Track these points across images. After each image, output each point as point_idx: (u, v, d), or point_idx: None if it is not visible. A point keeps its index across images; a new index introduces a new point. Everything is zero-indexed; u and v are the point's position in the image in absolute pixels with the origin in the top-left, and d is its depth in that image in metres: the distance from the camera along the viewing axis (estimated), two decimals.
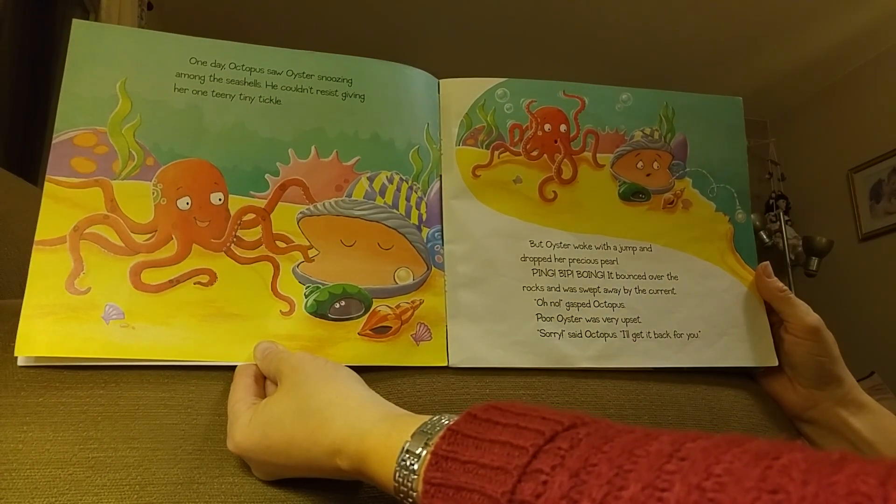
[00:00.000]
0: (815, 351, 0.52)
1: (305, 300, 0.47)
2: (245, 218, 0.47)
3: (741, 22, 2.74)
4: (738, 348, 0.54)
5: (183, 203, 0.46)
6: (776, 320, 0.55)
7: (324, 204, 0.49)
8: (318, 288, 0.47)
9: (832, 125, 3.27)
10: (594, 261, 0.53)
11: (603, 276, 0.53)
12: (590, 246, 0.54)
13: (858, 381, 0.53)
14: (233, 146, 0.48)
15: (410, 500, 0.30)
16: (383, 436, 0.33)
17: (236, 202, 0.47)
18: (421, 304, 0.49)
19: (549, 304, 0.51)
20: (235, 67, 0.49)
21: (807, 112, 3.43)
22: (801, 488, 0.19)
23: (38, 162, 1.71)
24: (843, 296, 3.09)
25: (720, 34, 2.83)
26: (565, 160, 0.55)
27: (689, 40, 2.88)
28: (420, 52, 2.86)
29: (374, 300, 0.48)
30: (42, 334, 0.41)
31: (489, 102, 0.55)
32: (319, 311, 0.47)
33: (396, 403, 0.38)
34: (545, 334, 0.51)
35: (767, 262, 0.56)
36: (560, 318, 0.51)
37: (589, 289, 0.52)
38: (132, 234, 0.44)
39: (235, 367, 0.44)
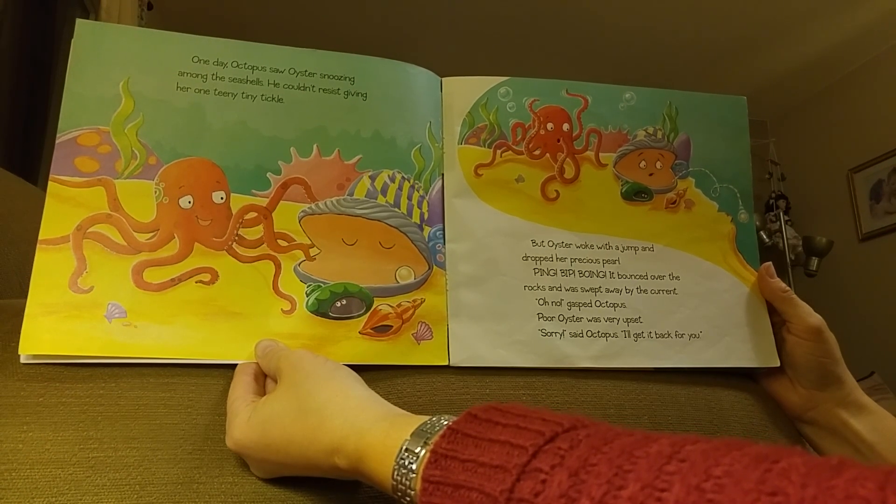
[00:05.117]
0: (816, 352, 0.52)
1: (307, 299, 0.47)
2: (247, 216, 0.47)
3: (741, 22, 2.74)
4: (739, 349, 0.54)
5: (185, 202, 0.46)
6: (778, 321, 0.55)
7: (325, 203, 0.49)
8: (319, 287, 0.47)
9: (832, 125, 3.26)
10: (596, 260, 0.53)
11: (605, 275, 0.53)
12: (592, 246, 0.54)
13: (858, 381, 0.53)
14: (235, 145, 0.48)
15: (408, 498, 0.30)
16: (382, 435, 0.33)
17: (238, 201, 0.47)
18: (422, 303, 0.49)
19: (550, 303, 0.51)
20: (238, 66, 0.49)
21: (807, 112, 3.43)
22: (799, 491, 0.20)
23: (38, 162, 1.71)
24: (843, 296, 3.09)
25: (720, 34, 2.84)
26: (568, 159, 0.55)
27: (690, 40, 2.88)
28: (422, 51, 2.87)
29: (375, 299, 0.48)
30: (45, 333, 0.41)
31: (492, 101, 0.55)
32: (320, 309, 0.47)
33: (396, 403, 0.38)
34: (546, 334, 0.51)
35: (770, 263, 0.56)
36: (561, 318, 0.51)
37: (590, 288, 0.52)
38: (134, 233, 0.45)
39: (236, 365, 0.44)
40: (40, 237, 0.43)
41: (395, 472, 0.31)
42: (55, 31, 1.86)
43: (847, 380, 0.52)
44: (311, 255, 0.47)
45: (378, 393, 0.38)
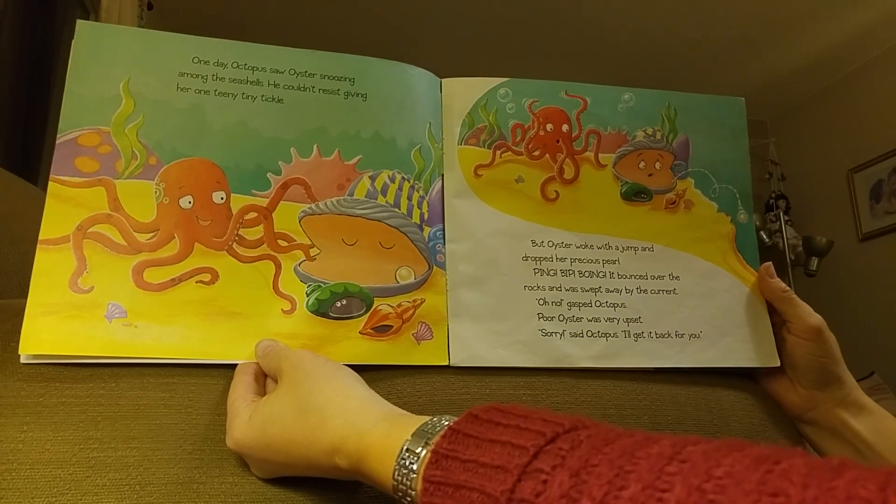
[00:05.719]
0: (816, 352, 0.52)
1: (307, 299, 0.47)
2: (247, 217, 0.47)
3: (741, 22, 2.74)
4: (739, 349, 0.54)
5: (185, 202, 0.46)
6: (778, 321, 0.55)
7: (325, 203, 0.49)
8: (319, 287, 0.47)
9: (832, 125, 3.27)
10: (596, 261, 0.53)
11: (604, 275, 0.53)
12: (591, 246, 0.54)
13: (858, 381, 0.53)
14: (235, 145, 0.48)
15: (409, 499, 0.30)
16: (383, 435, 0.33)
17: (238, 201, 0.47)
18: (422, 303, 0.49)
19: (550, 303, 0.51)
20: (238, 66, 0.49)
21: (807, 112, 3.43)
22: (801, 492, 0.20)
23: (38, 162, 1.71)
24: (843, 296, 3.09)
25: (720, 34, 2.84)
26: (567, 160, 0.55)
27: (690, 41, 2.88)
28: (422, 52, 2.86)
29: (375, 299, 0.48)
30: (46, 333, 0.41)
31: (491, 102, 0.55)
32: (321, 309, 0.47)
33: (396, 403, 0.38)
34: (546, 334, 0.51)
35: (770, 263, 0.56)
36: (561, 318, 0.51)
37: (590, 288, 0.53)
38: (135, 233, 0.45)
39: (236, 365, 0.44)
40: (40, 237, 0.43)
41: (396, 473, 0.31)
42: (55, 31, 1.85)
43: (847, 380, 0.52)
44: (312, 255, 0.48)
45: (378, 393, 0.38)
